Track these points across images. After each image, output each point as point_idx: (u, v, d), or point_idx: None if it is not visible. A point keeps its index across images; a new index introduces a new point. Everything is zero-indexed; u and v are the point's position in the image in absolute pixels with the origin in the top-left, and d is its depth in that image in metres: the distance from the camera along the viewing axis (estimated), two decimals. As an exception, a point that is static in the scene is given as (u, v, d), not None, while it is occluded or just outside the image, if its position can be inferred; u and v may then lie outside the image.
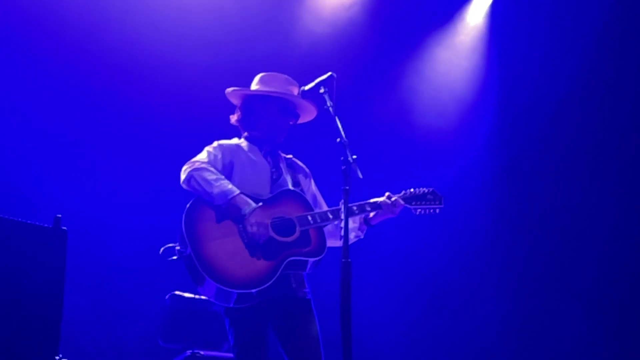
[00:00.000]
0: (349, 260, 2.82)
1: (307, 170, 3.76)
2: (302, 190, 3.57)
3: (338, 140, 3.08)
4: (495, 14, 6.34)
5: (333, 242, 3.54)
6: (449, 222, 5.77)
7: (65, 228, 3.02)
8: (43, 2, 5.18)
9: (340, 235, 3.47)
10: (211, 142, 3.56)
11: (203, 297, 4.74)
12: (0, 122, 5.04)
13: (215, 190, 3.27)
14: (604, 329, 5.78)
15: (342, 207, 3.37)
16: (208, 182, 3.29)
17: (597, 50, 6.04)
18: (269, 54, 5.43)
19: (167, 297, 4.79)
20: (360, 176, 2.96)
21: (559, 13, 6.09)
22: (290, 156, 3.74)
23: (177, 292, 4.79)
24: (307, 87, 3.44)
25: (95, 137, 5.39)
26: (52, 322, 2.94)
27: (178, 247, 3.25)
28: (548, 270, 6.08)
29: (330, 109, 3.22)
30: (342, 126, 3.12)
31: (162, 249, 3.33)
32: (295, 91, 3.59)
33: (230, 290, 3.15)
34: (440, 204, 3.68)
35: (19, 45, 5.18)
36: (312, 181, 3.73)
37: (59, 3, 5.24)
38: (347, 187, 2.96)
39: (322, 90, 3.31)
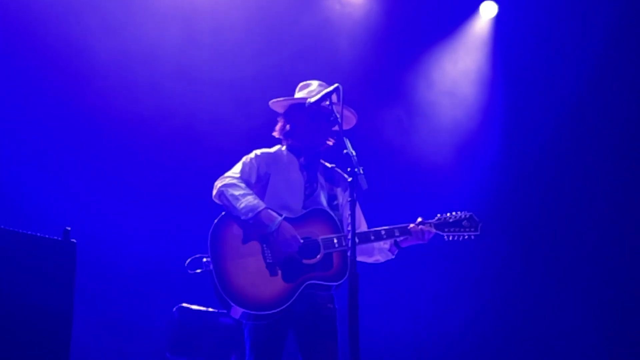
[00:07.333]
0: (357, 272, 2.79)
1: (348, 181, 3.65)
2: (337, 205, 3.53)
3: (345, 152, 3.06)
4: (501, 20, 6.34)
5: (364, 258, 3.55)
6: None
7: (74, 240, 3.03)
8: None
9: (371, 255, 3.56)
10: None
11: (211, 309, 4.75)
12: (9, 135, 5.08)
13: (241, 206, 3.29)
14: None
15: (371, 229, 3.44)
16: (235, 197, 3.31)
17: (605, 55, 6.02)
18: (273, 63, 5.46)
19: (174, 309, 4.79)
20: (365, 187, 2.93)
21: (566, 18, 6.08)
22: (332, 166, 3.68)
23: (184, 305, 4.79)
24: (312, 100, 3.40)
25: (105, 150, 5.41)
26: (61, 334, 2.93)
27: (206, 259, 3.27)
28: (556, 276, 6.07)
29: (338, 119, 3.17)
30: (349, 137, 3.09)
31: (188, 260, 3.34)
32: (335, 99, 3.44)
33: (245, 311, 3.18)
34: (476, 230, 3.54)
35: (37, 57, 5.22)
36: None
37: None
38: (354, 199, 2.93)
39: (327, 103, 3.30)
